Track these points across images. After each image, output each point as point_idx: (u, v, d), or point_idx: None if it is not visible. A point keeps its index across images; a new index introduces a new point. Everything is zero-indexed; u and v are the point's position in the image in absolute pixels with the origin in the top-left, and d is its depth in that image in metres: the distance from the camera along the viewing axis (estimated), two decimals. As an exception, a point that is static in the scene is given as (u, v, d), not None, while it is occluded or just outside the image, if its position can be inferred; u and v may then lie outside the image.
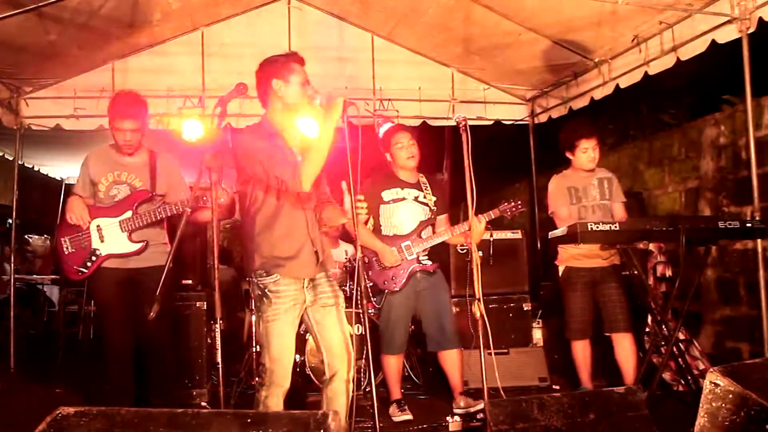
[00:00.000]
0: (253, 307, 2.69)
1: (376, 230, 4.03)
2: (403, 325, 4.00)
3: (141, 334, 3.39)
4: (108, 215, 3.42)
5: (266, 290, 2.65)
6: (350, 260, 4.90)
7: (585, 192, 4.01)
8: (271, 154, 2.64)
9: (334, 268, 2.95)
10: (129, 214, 3.42)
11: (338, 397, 2.74)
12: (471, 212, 3.22)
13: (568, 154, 4.06)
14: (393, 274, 3.91)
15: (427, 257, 4.03)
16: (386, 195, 4.01)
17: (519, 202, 4.01)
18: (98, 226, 3.41)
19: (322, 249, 2.80)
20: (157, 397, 3.41)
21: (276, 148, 2.68)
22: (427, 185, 4.11)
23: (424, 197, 4.06)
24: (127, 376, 3.38)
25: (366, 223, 4.01)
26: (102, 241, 3.40)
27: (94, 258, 3.39)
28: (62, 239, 3.42)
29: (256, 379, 2.73)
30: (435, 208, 4.08)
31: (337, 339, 2.77)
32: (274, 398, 2.64)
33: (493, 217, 3.93)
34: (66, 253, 3.41)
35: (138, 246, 3.42)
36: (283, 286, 2.66)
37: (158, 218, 3.43)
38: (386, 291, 3.91)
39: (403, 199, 4.02)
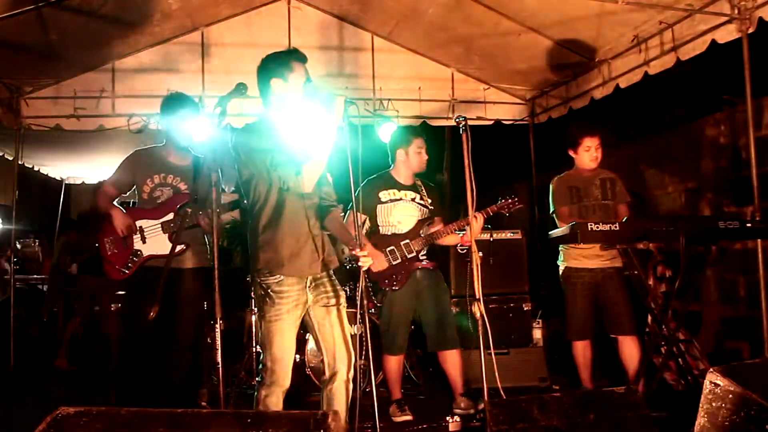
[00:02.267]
0: (255, 307, 2.69)
1: (374, 230, 4.03)
2: (403, 324, 4.00)
3: (171, 334, 3.41)
4: (150, 217, 3.49)
5: (269, 290, 2.64)
6: (350, 260, 4.90)
7: (586, 192, 4.01)
8: (272, 154, 2.64)
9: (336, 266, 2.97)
10: (171, 216, 3.49)
11: (338, 397, 2.74)
12: (471, 212, 3.22)
13: (571, 152, 4.06)
14: (393, 272, 3.91)
15: (426, 256, 4.03)
16: (383, 195, 4.03)
17: (516, 199, 4.02)
18: (140, 227, 3.48)
19: (323, 247, 2.79)
20: (170, 399, 3.41)
21: (277, 147, 2.68)
22: (422, 187, 4.14)
23: (421, 198, 4.09)
24: (136, 375, 3.41)
25: (363, 223, 4.02)
26: (144, 243, 3.47)
27: (135, 259, 3.46)
28: (105, 240, 3.48)
29: (257, 378, 2.72)
30: (432, 208, 4.09)
31: (338, 339, 2.77)
32: (273, 398, 2.64)
33: (491, 214, 3.93)
34: (109, 253, 3.48)
35: (179, 248, 3.43)
36: (287, 286, 2.66)
37: (197, 221, 3.44)
38: (386, 290, 3.91)
39: (400, 199, 4.04)
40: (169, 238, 3.46)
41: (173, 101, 3.54)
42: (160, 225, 3.47)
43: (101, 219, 3.55)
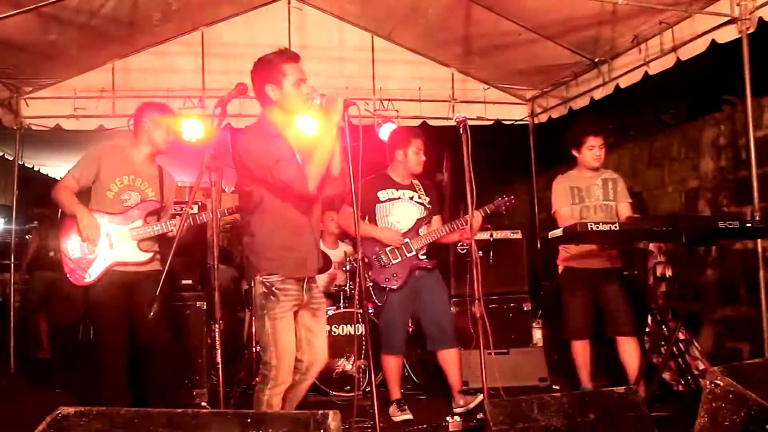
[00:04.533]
0: (257, 306, 2.70)
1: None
2: (402, 324, 4.00)
3: (139, 336, 3.36)
4: (119, 222, 3.34)
5: (273, 288, 2.67)
6: (350, 260, 4.91)
7: (588, 192, 3.99)
8: (275, 156, 2.64)
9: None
10: (140, 223, 3.36)
11: (303, 390, 2.86)
12: (471, 212, 3.22)
13: (574, 151, 4.03)
14: (393, 271, 3.91)
15: (425, 255, 4.04)
16: (382, 195, 4.04)
17: (512, 197, 4.05)
18: (107, 232, 3.30)
19: (320, 249, 2.89)
20: (156, 399, 3.38)
21: (279, 150, 2.68)
22: (420, 187, 4.15)
23: (419, 197, 4.10)
24: (122, 378, 3.30)
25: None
26: (111, 248, 3.30)
27: (101, 264, 3.29)
28: (66, 241, 3.29)
29: (257, 379, 2.74)
30: (430, 207, 4.10)
31: (322, 347, 2.88)
32: (277, 397, 2.68)
33: (488, 212, 3.95)
34: (72, 257, 3.28)
35: (148, 256, 3.38)
36: (289, 284, 2.71)
37: (164, 231, 3.39)
38: (387, 288, 3.91)
39: (399, 198, 4.05)
40: (138, 246, 3.36)
41: (152, 108, 3.47)
42: (128, 231, 3.34)
43: (62, 217, 3.36)
